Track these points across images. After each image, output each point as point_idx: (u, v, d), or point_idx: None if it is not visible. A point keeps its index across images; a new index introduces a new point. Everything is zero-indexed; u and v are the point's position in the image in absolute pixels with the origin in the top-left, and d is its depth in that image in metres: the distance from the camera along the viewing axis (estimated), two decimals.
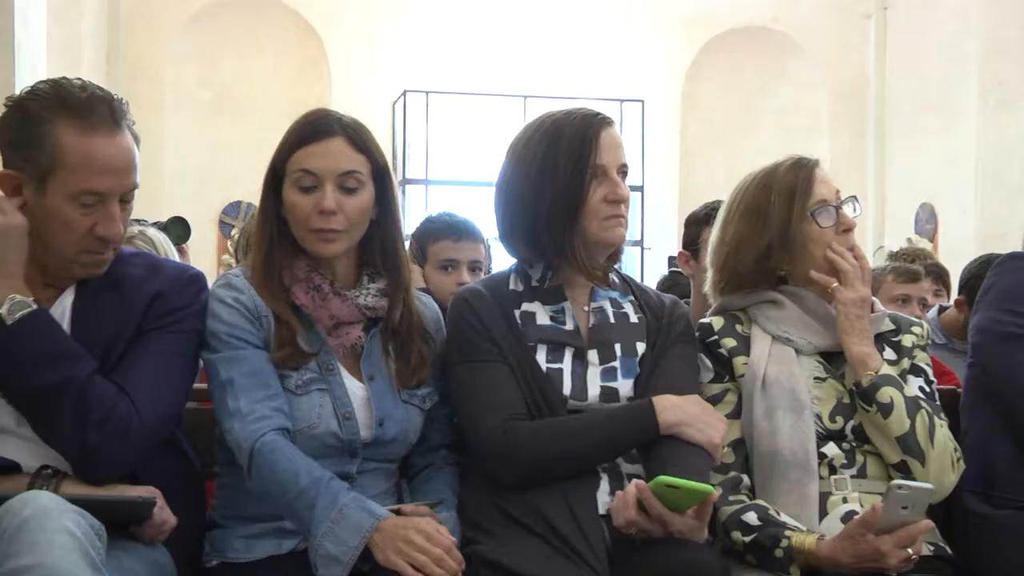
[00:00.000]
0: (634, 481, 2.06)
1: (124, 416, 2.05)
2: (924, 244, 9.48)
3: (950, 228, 10.00)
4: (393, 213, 2.31)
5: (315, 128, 2.22)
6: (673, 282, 4.12)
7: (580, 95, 9.89)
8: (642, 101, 10.36)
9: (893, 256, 5.76)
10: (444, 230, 3.28)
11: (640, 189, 10.43)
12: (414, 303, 2.33)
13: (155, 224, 4.11)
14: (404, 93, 10.05)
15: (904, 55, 10.65)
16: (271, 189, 2.25)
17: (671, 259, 5.82)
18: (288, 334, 2.19)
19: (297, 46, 10.27)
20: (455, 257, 3.23)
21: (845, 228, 2.44)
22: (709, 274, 2.54)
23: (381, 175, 2.27)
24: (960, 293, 4.12)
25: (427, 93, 10.08)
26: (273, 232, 2.24)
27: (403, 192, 10.04)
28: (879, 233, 10.74)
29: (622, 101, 10.32)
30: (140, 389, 2.09)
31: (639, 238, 10.31)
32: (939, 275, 4.82)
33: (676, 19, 10.52)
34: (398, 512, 2.10)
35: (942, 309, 4.33)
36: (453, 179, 9.94)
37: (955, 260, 5.38)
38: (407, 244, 3.37)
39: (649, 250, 10.13)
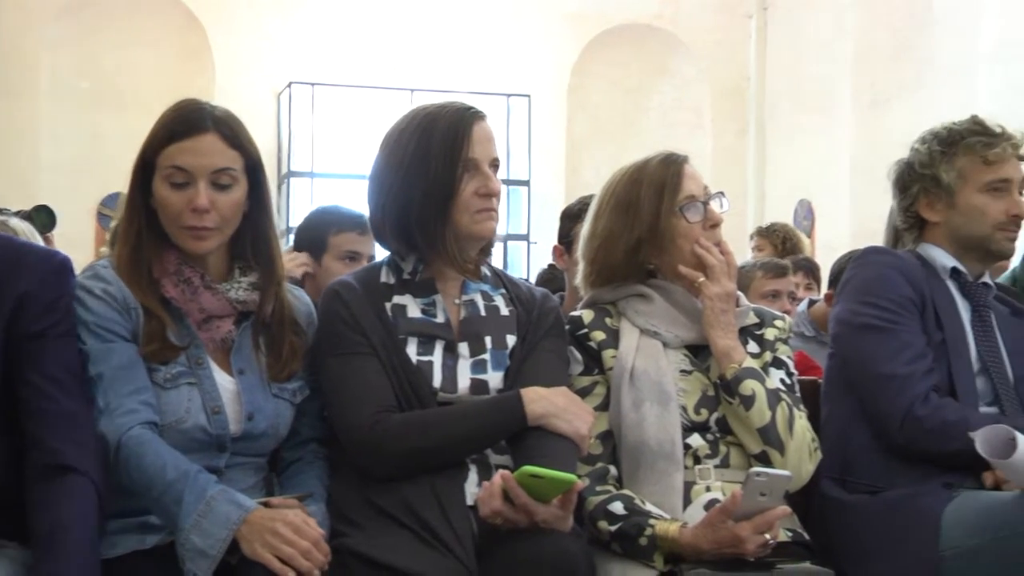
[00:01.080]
0: (500, 471, 2.09)
1: None
2: (803, 240, 9.72)
3: (826, 224, 10.24)
4: (266, 207, 2.30)
5: (187, 123, 2.19)
6: (551, 275, 4.17)
7: (467, 89, 9.90)
8: (529, 96, 10.41)
9: (761, 232, 5.94)
10: (349, 222, 3.29)
11: (526, 183, 10.49)
12: (286, 296, 2.33)
13: (18, 213, 4.02)
14: (289, 85, 9.95)
15: (783, 55, 10.88)
16: (140, 181, 2.22)
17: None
18: (158, 328, 2.16)
19: (179, 35, 10.08)
20: (359, 250, 3.25)
21: (712, 224, 2.50)
22: (580, 267, 2.59)
23: (254, 169, 2.26)
24: (829, 287, 4.23)
25: (313, 85, 9.98)
26: (141, 224, 2.21)
27: (288, 185, 9.93)
28: None
29: (509, 96, 10.37)
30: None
31: (525, 232, 10.37)
32: (810, 269, 4.96)
33: (562, 15, 10.60)
34: (266, 505, 2.09)
35: (812, 303, 4.45)
36: (338, 172, 9.88)
37: (831, 255, 5.53)
38: (291, 235, 3.38)
39: (535, 244, 10.19)
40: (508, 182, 10.58)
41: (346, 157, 9.93)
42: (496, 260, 8.94)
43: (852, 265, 2.74)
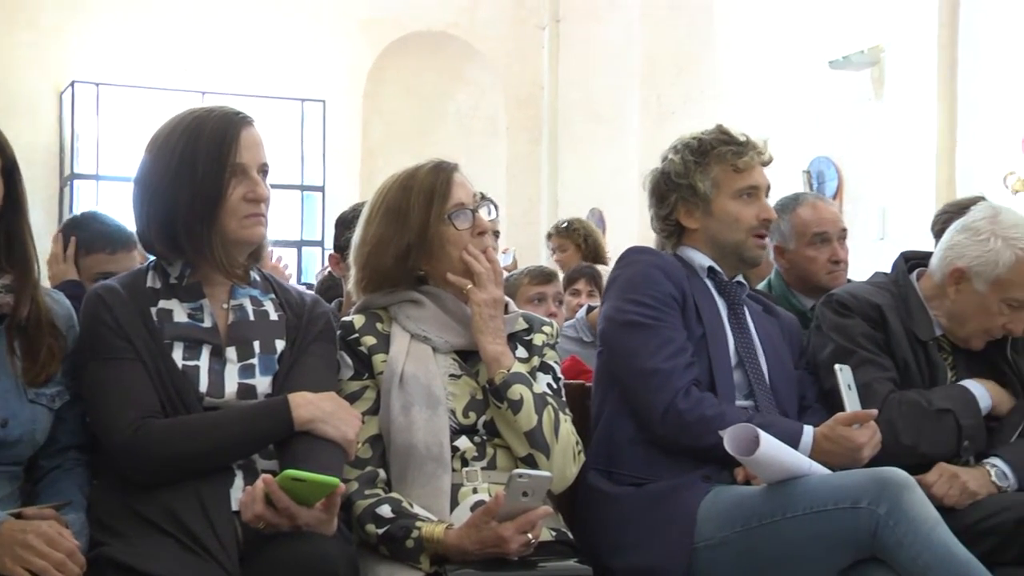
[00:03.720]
0: (262, 476, 2.09)
1: None
2: (601, 238, 9.95)
3: (617, 232, 10.51)
4: (21, 208, 2.25)
5: None
6: (332, 281, 4.16)
7: (260, 93, 9.79)
8: (323, 101, 10.34)
9: (561, 231, 6.08)
10: (100, 243, 3.24)
11: (321, 189, 10.42)
12: (43, 299, 2.27)
13: None
14: (72, 84, 9.60)
15: (575, 66, 11.12)
16: None
17: None
18: None
19: None
20: (112, 270, 3.18)
21: (480, 231, 2.54)
22: (352, 272, 2.60)
23: (10, 171, 2.21)
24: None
25: (98, 85, 9.66)
26: None
27: (72, 187, 9.59)
28: None
29: (303, 100, 10.28)
30: None
31: (320, 238, 10.29)
32: (592, 276, 5.08)
33: (357, 20, 10.56)
34: (19, 516, 2.03)
35: (590, 309, 4.57)
36: (126, 175, 9.56)
37: None
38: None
39: (330, 250, 10.13)
40: (303, 188, 10.49)
41: (134, 160, 9.62)
42: (290, 265, 8.76)
43: (617, 265, 2.84)
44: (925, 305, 2.83)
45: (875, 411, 2.53)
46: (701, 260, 2.80)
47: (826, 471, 2.41)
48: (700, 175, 2.76)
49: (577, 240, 6.09)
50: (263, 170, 2.36)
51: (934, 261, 2.84)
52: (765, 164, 2.82)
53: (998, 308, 2.71)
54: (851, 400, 2.54)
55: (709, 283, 2.79)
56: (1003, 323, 2.73)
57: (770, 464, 2.36)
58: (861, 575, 2.29)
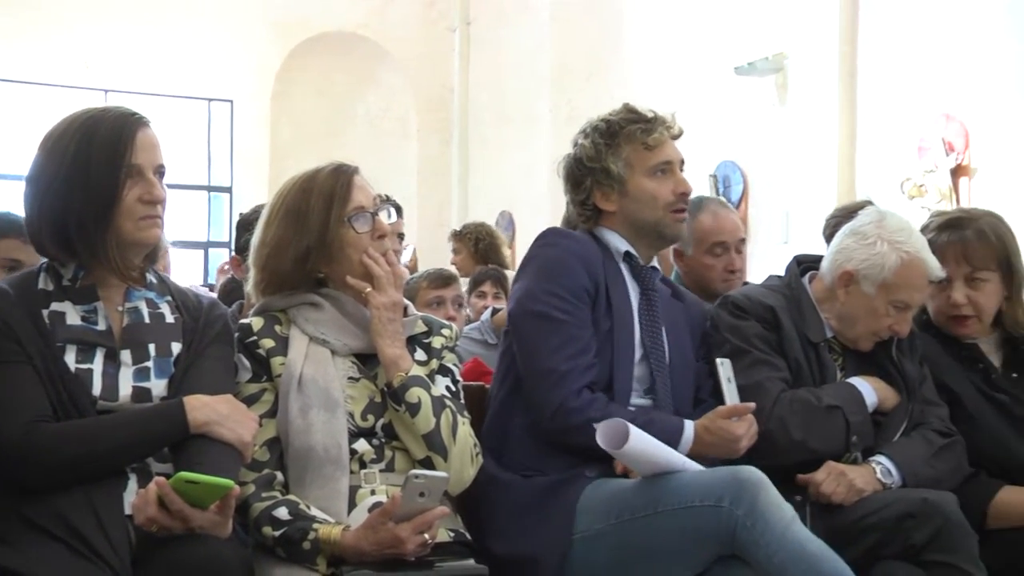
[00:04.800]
0: (155, 478, 2.08)
1: None
2: (500, 238, 9.99)
3: (527, 235, 10.56)
4: None
5: None
6: (234, 284, 4.13)
7: (166, 92, 9.68)
8: (231, 101, 10.26)
9: (456, 234, 6.12)
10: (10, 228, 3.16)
11: (229, 190, 10.32)
12: None
13: None
14: None
15: (486, 69, 11.15)
16: None
17: None
18: None
19: None
20: (22, 258, 3.11)
21: (380, 234, 2.55)
22: (251, 274, 2.59)
23: None
24: None
25: None
26: None
27: None
28: None
29: (210, 100, 10.19)
30: None
31: (227, 240, 10.20)
32: (498, 279, 5.11)
33: (266, 20, 10.48)
34: None
35: (495, 311, 4.60)
36: (21, 173, 9.36)
37: None
38: None
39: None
40: (209, 188, 10.38)
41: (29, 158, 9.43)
42: (197, 268, 8.71)
43: (536, 243, 2.83)
44: (816, 308, 2.90)
45: (752, 404, 2.59)
46: (618, 244, 2.81)
47: (699, 467, 2.47)
48: (612, 157, 2.75)
49: (468, 243, 6.15)
50: (160, 171, 2.34)
51: (824, 264, 2.92)
52: (675, 137, 2.82)
53: (885, 310, 2.79)
54: (731, 393, 2.61)
55: (624, 268, 2.81)
56: (889, 324, 2.81)
57: (640, 458, 2.41)
58: (726, 570, 2.35)
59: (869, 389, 2.80)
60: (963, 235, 2.95)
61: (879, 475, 2.69)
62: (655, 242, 2.84)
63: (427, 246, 9.60)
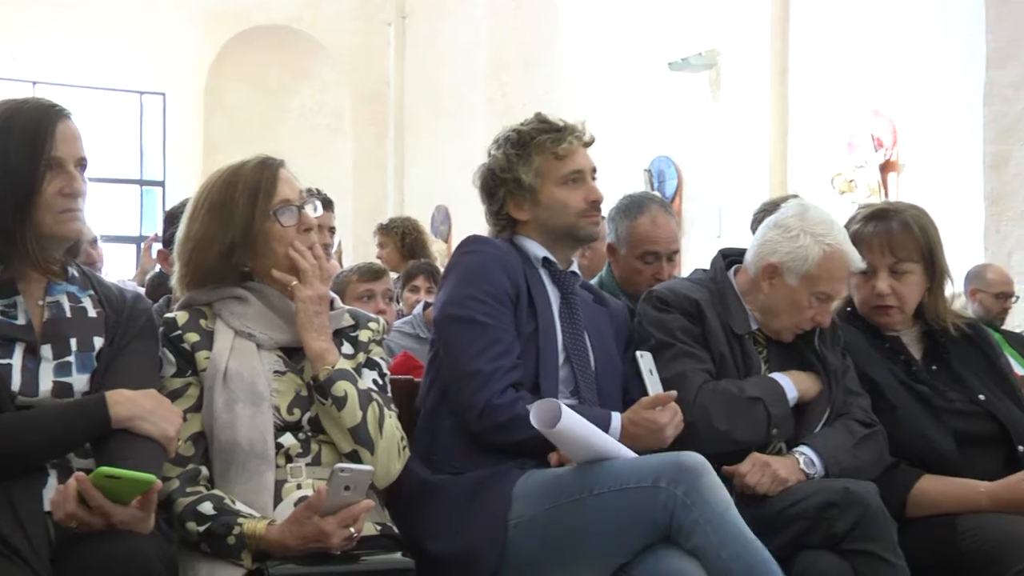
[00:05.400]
0: (75, 474, 2.05)
1: None
2: (439, 245, 9.98)
3: (463, 229, 10.57)
4: None
5: None
6: (163, 278, 4.09)
7: (97, 84, 9.54)
8: (163, 94, 10.15)
9: (382, 228, 6.13)
10: None
11: (161, 184, 10.21)
12: None
13: None
14: None
15: (422, 63, 11.13)
16: None
17: None
18: None
19: None
20: None
21: (306, 228, 2.54)
22: (176, 268, 2.57)
23: None
24: None
25: None
26: None
27: None
28: None
29: (142, 93, 10.07)
30: None
31: (160, 234, 10.08)
32: (431, 273, 5.11)
33: (199, 13, 10.38)
34: None
35: (427, 305, 4.59)
36: None
37: None
38: None
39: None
40: (142, 182, 10.26)
41: None
42: (129, 262, 8.61)
43: (457, 250, 2.87)
44: (741, 300, 2.93)
45: (675, 392, 2.62)
46: (536, 251, 2.84)
47: (634, 455, 2.50)
48: (523, 167, 2.80)
49: (395, 238, 6.15)
50: (81, 164, 2.31)
51: (748, 257, 2.95)
52: (587, 145, 2.86)
53: (808, 301, 2.83)
54: (653, 384, 2.64)
55: (544, 273, 2.83)
56: (812, 316, 2.85)
57: (574, 439, 2.43)
58: (655, 555, 2.38)
59: (789, 383, 2.84)
60: (888, 226, 3.00)
61: (802, 465, 2.73)
62: (571, 244, 2.89)
63: (363, 240, 9.56)
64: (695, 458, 2.39)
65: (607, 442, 2.48)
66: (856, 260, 2.87)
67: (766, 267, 2.87)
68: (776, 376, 2.85)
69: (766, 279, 2.87)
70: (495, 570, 2.48)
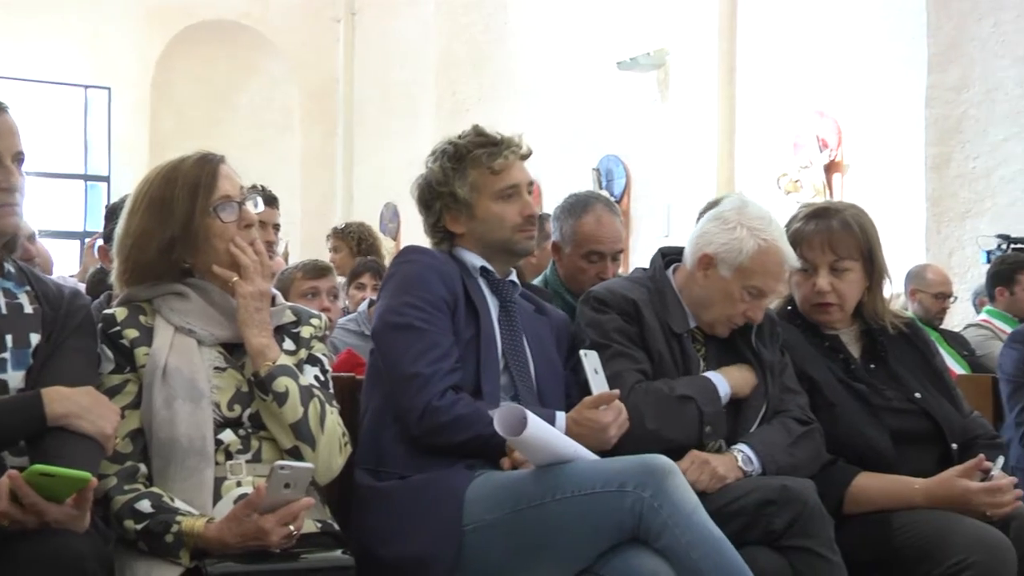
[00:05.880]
0: (8, 471, 2.03)
1: None
2: (388, 243, 9.96)
3: (412, 227, 10.55)
4: None
5: None
6: (103, 274, 4.05)
7: (40, 78, 9.43)
8: (109, 88, 10.04)
9: (338, 232, 6.10)
10: None
11: (107, 179, 10.11)
12: None
13: None
14: None
15: (371, 60, 11.11)
16: None
17: None
18: None
19: None
20: None
21: (247, 223, 2.53)
22: (115, 264, 2.55)
23: None
24: None
25: None
26: None
27: None
28: None
29: (87, 87, 9.95)
30: None
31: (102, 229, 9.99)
32: (377, 271, 5.11)
33: (146, 6, 10.28)
34: None
35: (372, 303, 4.59)
36: None
37: None
38: None
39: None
40: (86, 178, 10.15)
41: None
42: (73, 258, 8.49)
43: (394, 262, 2.88)
44: (680, 299, 2.96)
45: (618, 391, 2.64)
46: (474, 261, 2.85)
47: (594, 456, 2.50)
48: (459, 181, 2.80)
49: (351, 242, 6.14)
50: (18, 159, 2.29)
51: (686, 250, 2.98)
52: (524, 158, 2.87)
53: (740, 295, 2.86)
54: (597, 384, 2.64)
55: (482, 283, 2.84)
56: (744, 311, 2.88)
57: (539, 446, 2.42)
58: (621, 555, 2.38)
59: (722, 380, 2.86)
60: (829, 224, 3.04)
61: (740, 463, 2.76)
62: (507, 258, 2.89)
63: (310, 237, 9.53)
64: (662, 460, 2.40)
65: (568, 445, 2.48)
66: (791, 258, 2.90)
67: (701, 258, 2.90)
68: (710, 374, 2.88)
69: (701, 270, 2.90)
70: (450, 574, 2.47)
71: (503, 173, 2.81)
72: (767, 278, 2.87)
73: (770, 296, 2.94)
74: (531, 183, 2.89)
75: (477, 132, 2.85)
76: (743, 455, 2.77)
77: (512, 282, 2.91)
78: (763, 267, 2.85)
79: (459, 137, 2.85)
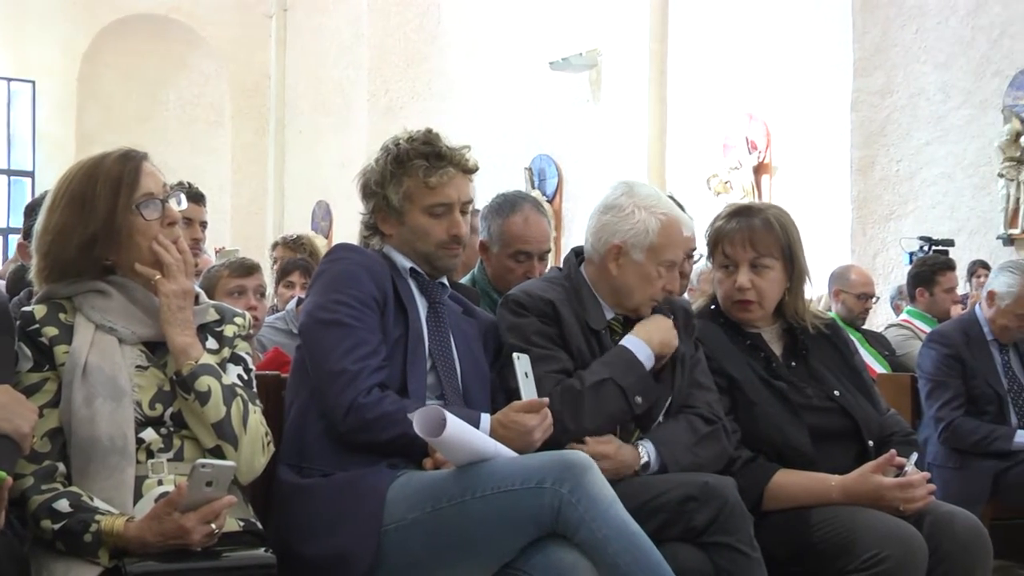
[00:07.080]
0: None
1: None
2: (319, 240, 9.91)
3: (343, 225, 10.53)
4: None
5: None
6: (24, 271, 3.99)
7: None
8: (33, 82, 9.89)
9: (287, 243, 6.04)
10: None
11: (31, 175, 9.95)
12: None
13: None
14: None
15: (304, 57, 11.06)
16: None
17: None
18: None
19: None
20: None
21: (171, 221, 2.51)
22: (34, 261, 2.52)
23: None
24: None
25: None
26: None
27: None
28: (279, 228, 11.07)
29: (10, 80, 9.80)
30: None
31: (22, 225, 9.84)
32: (307, 269, 5.09)
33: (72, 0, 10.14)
34: None
35: (300, 301, 4.57)
36: None
37: None
38: None
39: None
40: (9, 172, 9.99)
41: None
42: None
43: (324, 260, 2.88)
44: (595, 294, 2.98)
45: (547, 399, 2.65)
46: (403, 262, 2.85)
47: (513, 454, 2.52)
48: (394, 187, 2.79)
49: (303, 255, 6.04)
50: None
51: (588, 247, 3.01)
52: (469, 172, 2.86)
53: (656, 272, 2.92)
54: (527, 388, 2.65)
55: (411, 283, 2.85)
56: (662, 285, 2.94)
57: (458, 445, 2.43)
58: (541, 550, 2.41)
59: (641, 345, 2.88)
60: (750, 222, 3.09)
61: (642, 456, 2.79)
62: (431, 270, 2.89)
63: (241, 235, 9.46)
64: (579, 456, 2.42)
65: (487, 444, 2.49)
66: (688, 222, 3.03)
67: (610, 249, 2.93)
68: (626, 341, 2.89)
69: (612, 261, 2.93)
70: (370, 571, 2.48)
71: (437, 189, 2.79)
72: (676, 248, 2.96)
73: (679, 263, 3.01)
74: (468, 202, 2.88)
75: (426, 140, 2.81)
76: (644, 450, 2.81)
77: (441, 283, 2.92)
78: (670, 239, 2.93)
79: (410, 139, 2.82)
